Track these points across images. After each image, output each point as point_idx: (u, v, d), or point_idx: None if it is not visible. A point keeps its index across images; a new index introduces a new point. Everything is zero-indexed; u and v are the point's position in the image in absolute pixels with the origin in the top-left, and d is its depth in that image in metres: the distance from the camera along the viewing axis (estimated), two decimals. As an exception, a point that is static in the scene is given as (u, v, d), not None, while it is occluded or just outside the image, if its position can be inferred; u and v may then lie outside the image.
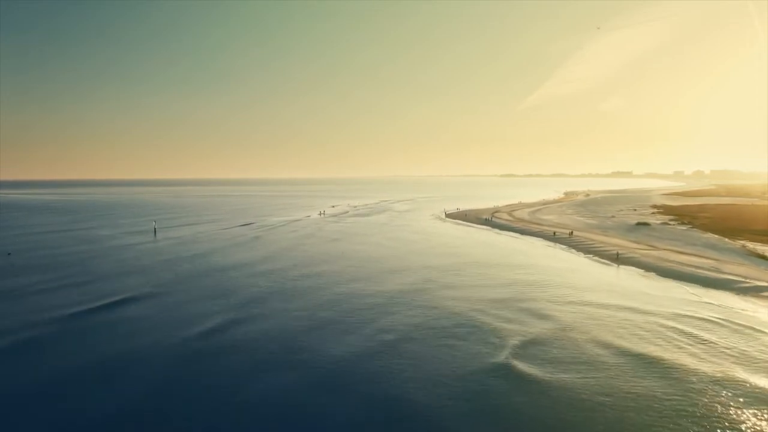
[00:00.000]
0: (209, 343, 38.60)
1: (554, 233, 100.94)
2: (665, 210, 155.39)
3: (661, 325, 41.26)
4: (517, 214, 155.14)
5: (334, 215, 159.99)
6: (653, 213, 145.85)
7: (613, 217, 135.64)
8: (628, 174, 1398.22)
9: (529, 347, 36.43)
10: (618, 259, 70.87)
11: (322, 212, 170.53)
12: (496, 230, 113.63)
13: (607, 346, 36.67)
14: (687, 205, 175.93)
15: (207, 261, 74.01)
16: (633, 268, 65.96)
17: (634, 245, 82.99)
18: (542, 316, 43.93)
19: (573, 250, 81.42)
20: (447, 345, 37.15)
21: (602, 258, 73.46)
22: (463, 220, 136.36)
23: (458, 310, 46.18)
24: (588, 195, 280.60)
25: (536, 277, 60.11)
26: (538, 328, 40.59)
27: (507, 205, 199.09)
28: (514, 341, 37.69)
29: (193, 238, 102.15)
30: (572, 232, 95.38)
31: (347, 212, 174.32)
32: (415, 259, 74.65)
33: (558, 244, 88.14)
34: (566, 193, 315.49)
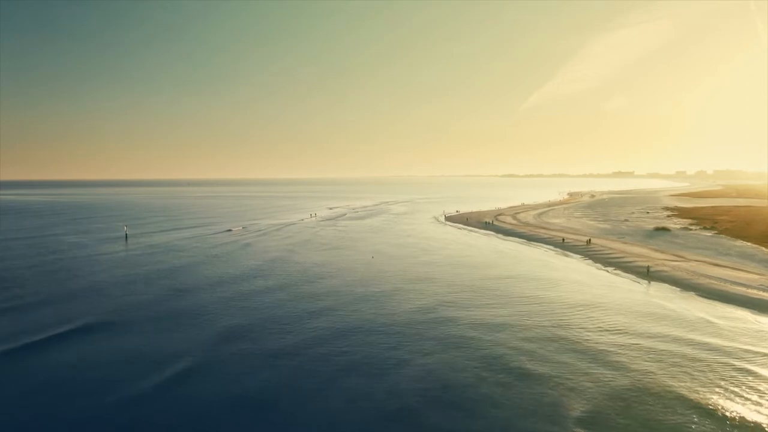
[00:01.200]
0: (166, 401, 28.57)
1: (563, 240, 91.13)
2: (680, 213, 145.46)
3: (756, 376, 31.13)
4: (522, 217, 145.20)
5: (331, 218, 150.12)
6: (669, 216, 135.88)
7: (626, 220, 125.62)
8: (630, 174, 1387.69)
9: (603, 414, 26.14)
10: (649, 275, 60.57)
11: (313, 215, 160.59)
12: (501, 236, 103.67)
13: (706, 411, 26.48)
14: (700, 207, 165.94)
15: (181, 278, 63.24)
16: (666, 285, 55.92)
17: (659, 255, 73.01)
18: (595, 359, 34.04)
19: (590, 261, 71.37)
20: (488, 414, 26.46)
21: (627, 272, 63.27)
22: (465, 225, 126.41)
23: (489, 351, 35.72)
24: (593, 196, 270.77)
25: (565, 298, 50.12)
26: (599, 380, 30.48)
27: (510, 207, 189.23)
28: (579, 404, 27.32)
29: (172, 246, 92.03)
30: (590, 240, 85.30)
31: (345, 215, 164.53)
32: (419, 273, 64.36)
33: (573, 254, 78.11)
34: (570, 194, 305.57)
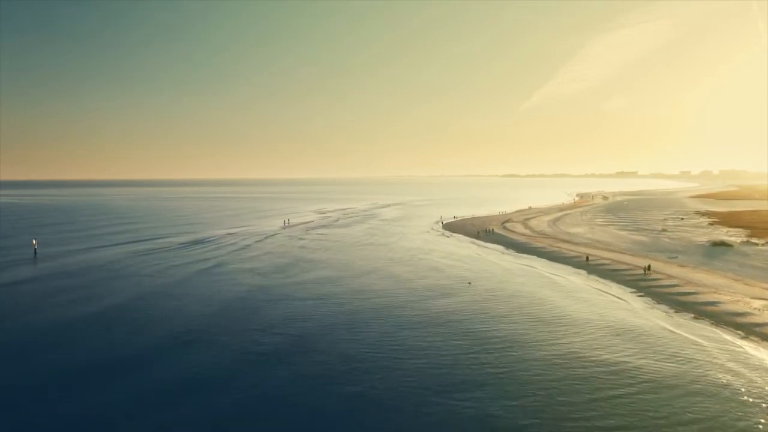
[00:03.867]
0: None
1: (587, 258, 69.63)
2: (721, 219, 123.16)
3: None
4: (534, 224, 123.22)
5: (317, 227, 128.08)
6: (711, 224, 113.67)
7: (664, 230, 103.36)
8: (633, 174, 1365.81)
9: None
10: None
11: (286, 221, 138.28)
12: (513, 252, 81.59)
13: None
14: (740, 212, 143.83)
15: (81, 337, 40.78)
16: (806, 357, 33.81)
17: (748, 289, 50.81)
18: None
19: (652, 299, 48.98)
20: None
21: (725, 327, 40.65)
22: (468, 235, 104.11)
23: None
24: (606, 198, 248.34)
25: (696, 389, 27.91)
26: None
27: (517, 212, 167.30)
28: None
29: (98, 270, 69.16)
30: (649, 267, 61.35)
31: (337, 220, 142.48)
32: (425, 332, 42.65)
33: (624, 286, 55.86)
34: (580, 196, 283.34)
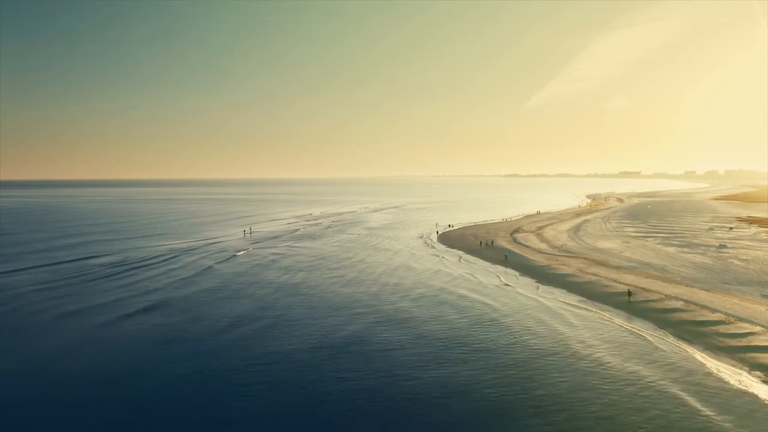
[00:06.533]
0: None
1: (628, 293, 47.43)
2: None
3: None
4: (550, 235, 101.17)
5: (303, 237, 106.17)
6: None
7: (722, 246, 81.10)
8: (637, 174, 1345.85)
9: None
10: None
11: (248, 230, 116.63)
12: (535, 281, 59.63)
13: None
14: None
15: None
16: None
17: None
18: None
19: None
20: None
21: None
22: (469, 252, 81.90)
23: None
24: (622, 201, 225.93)
25: None
26: None
27: (526, 217, 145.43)
28: None
29: None
30: None
31: (328, 228, 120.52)
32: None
33: (721, 357, 33.83)
34: (592, 198, 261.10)
